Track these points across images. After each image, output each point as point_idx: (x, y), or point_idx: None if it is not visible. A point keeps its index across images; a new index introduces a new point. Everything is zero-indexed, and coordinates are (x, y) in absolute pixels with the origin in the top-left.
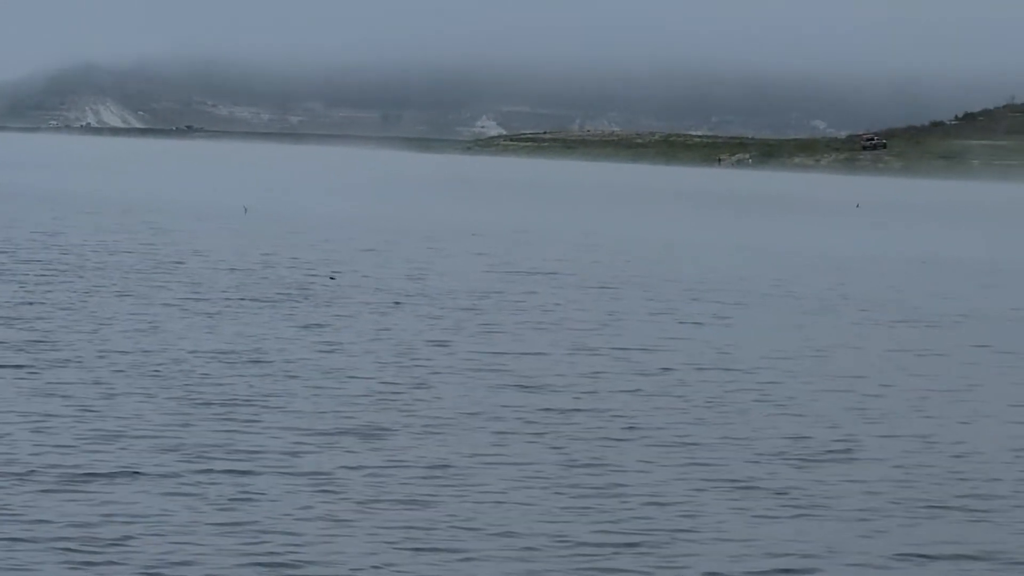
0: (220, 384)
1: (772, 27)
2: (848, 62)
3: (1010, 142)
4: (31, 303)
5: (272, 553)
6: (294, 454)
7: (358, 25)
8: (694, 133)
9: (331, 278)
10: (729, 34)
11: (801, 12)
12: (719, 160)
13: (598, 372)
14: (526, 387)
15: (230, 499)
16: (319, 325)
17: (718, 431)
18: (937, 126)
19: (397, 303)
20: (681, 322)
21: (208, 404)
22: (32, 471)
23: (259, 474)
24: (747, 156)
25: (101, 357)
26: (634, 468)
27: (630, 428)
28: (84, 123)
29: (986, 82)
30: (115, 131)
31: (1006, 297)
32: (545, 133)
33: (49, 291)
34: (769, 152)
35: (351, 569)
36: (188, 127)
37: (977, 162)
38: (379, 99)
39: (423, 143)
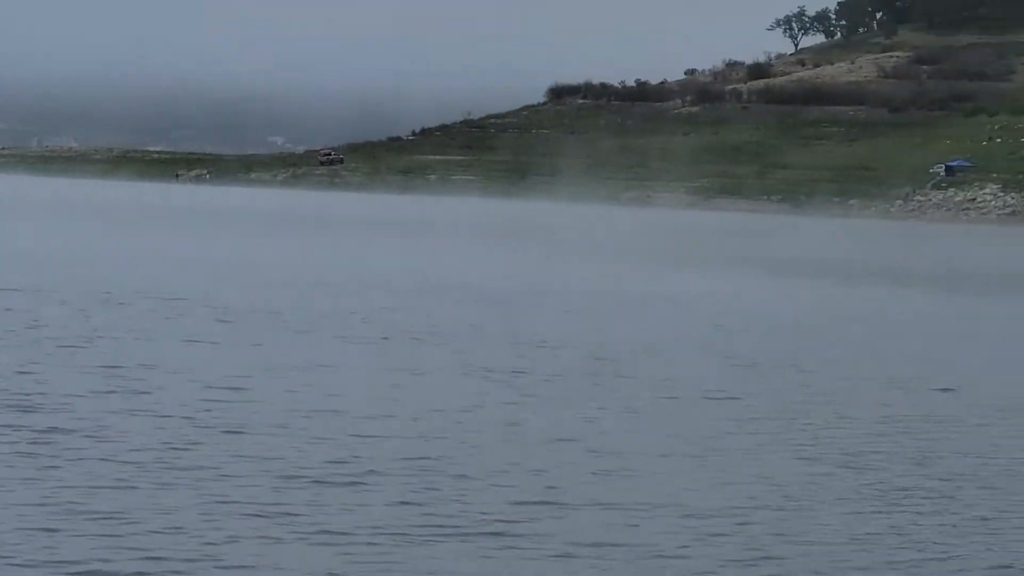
0: None
1: (230, 44)
2: (305, 80)
3: (465, 157)
4: None
5: None
6: None
7: None
8: (152, 149)
9: None
10: (188, 52)
11: (256, 28)
12: (177, 175)
13: None
14: None
15: None
16: None
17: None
18: (395, 141)
19: None
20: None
21: None
22: None
23: None
24: (204, 172)
25: None
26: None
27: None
28: None
29: (443, 99)
30: None
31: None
32: (4, 149)
33: None
34: (226, 167)
35: None
36: None
37: (434, 177)
38: None
39: None
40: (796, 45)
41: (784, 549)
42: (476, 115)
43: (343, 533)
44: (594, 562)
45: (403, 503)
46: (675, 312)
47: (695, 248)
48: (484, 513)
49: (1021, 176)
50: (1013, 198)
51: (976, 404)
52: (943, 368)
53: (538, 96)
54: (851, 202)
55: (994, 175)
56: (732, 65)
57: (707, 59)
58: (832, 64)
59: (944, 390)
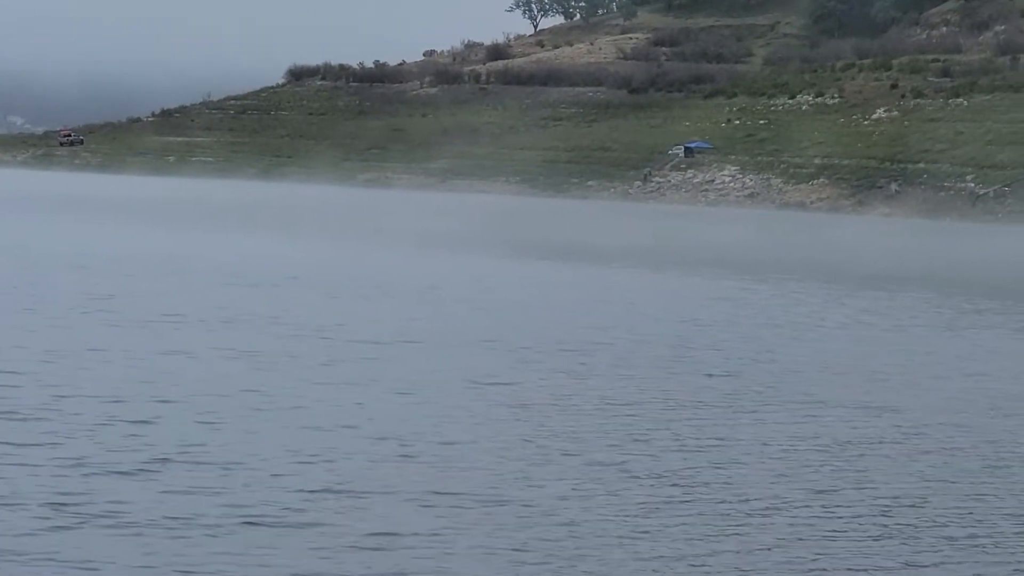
0: None
1: None
2: (44, 59)
3: (205, 138)
4: None
5: None
6: None
7: None
8: None
9: None
10: None
11: None
12: None
13: None
14: None
15: None
16: None
17: None
18: (135, 123)
19: None
20: None
21: None
22: None
23: None
24: None
25: None
26: None
27: None
28: None
29: (182, 80)
30: None
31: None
32: None
33: None
34: None
35: None
36: None
37: (173, 158)
38: None
39: None
40: (535, 26)
41: (553, 531)
42: (216, 97)
43: (130, 524)
44: (385, 552)
45: (186, 491)
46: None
47: (437, 229)
48: (268, 502)
49: (759, 158)
50: (752, 180)
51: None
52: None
53: (278, 78)
54: (590, 183)
55: (732, 157)
56: (471, 46)
57: (447, 40)
58: (571, 46)
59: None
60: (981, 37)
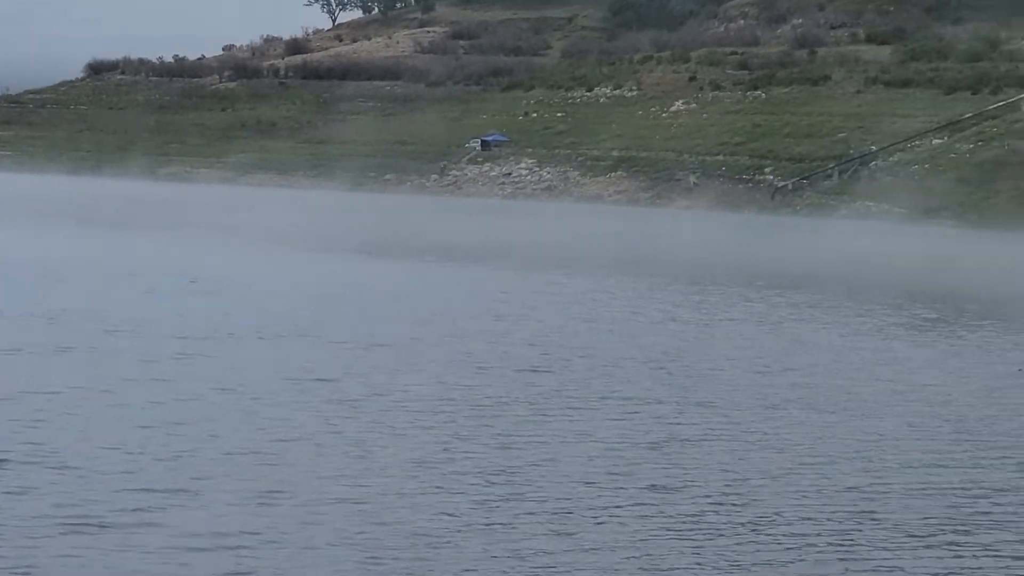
0: None
1: None
2: None
3: (4, 132)
4: None
5: None
6: None
7: None
8: None
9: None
10: None
11: None
12: None
13: None
14: None
15: None
16: None
17: None
18: None
19: None
20: None
21: None
22: None
23: None
24: None
25: None
26: None
27: None
28: None
29: None
30: None
31: None
32: None
33: None
34: None
35: None
36: None
37: None
38: None
39: None
40: (334, 21)
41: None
42: (14, 91)
43: None
44: (216, 552)
45: (18, 492)
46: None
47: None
48: (100, 502)
49: (556, 151)
50: (549, 173)
51: None
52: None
53: (77, 72)
54: (387, 177)
55: (529, 150)
56: (270, 41)
57: (246, 35)
58: (369, 40)
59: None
60: (779, 30)
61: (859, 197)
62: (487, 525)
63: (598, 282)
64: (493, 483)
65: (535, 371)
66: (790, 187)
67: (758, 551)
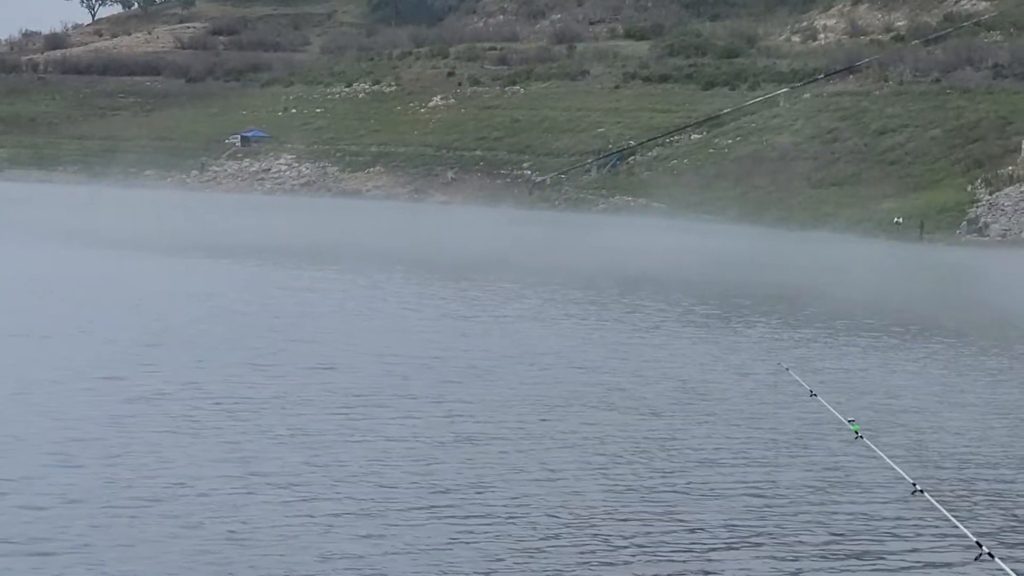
0: None
1: None
2: None
3: None
4: None
5: None
6: None
7: None
8: None
9: None
10: None
11: None
12: None
13: None
14: None
15: None
16: None
17: None
18: None
19: None
20: None
21: None
22: None
23: None
24: None
25: None
26: None
27: None
28: None
29: None
30: None
31: None
32: None
33: None
34: None
35: None
36: None
37: None
38: None
39: None
40: (94, 16)
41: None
42: None
43: None
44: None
45: None
46: None
47: None
48: None
49: (315, 146)
50: (308, 168)
51: None
52: None
53: None
54: (147, 172)
55: (289, 145)
56: (29, 35)
57: (4, 29)
58: (130, 35)
59: None
60: (537, 25)
61: (618, 192)
62: (289, 526)
63: (370, 277)
64: (294, 484)
65: (323, 368)
66: (548, 182)
67: (548, 558)
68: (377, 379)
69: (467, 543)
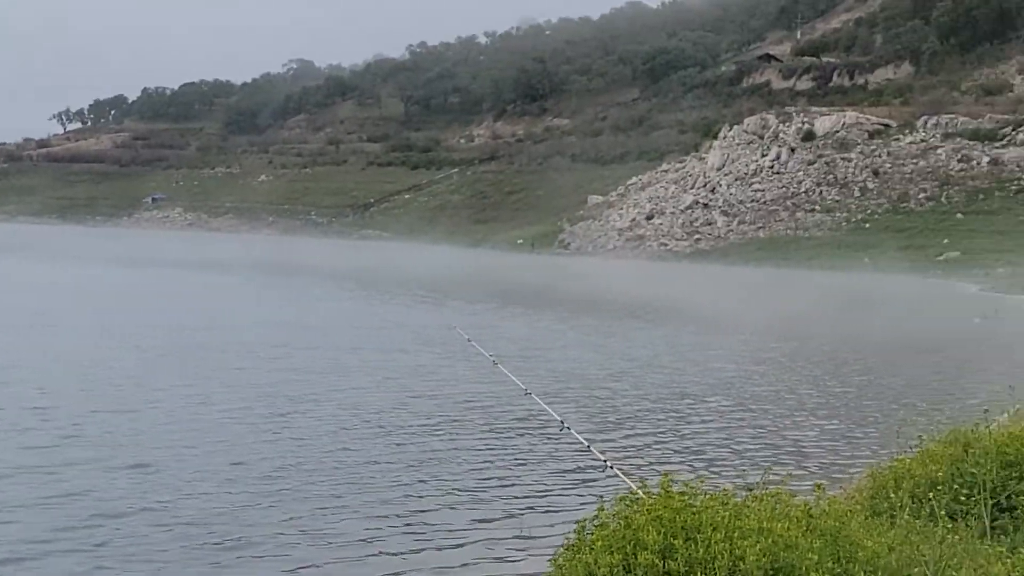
0: None
1: None
2: None
3: None
4: None
5: None
6: None
7: None
8: None
9: None
10: None
11: None
12: None
13: None
14: None
15: None
16: None
17: None
18: None
19: None
20: None
21: None
22: None
23: None
24: None
25: None
26: None
27: None
28: None
29: None
30: None
31: None
32: None
33: None
34: None
35: None
36: None
37: None
38: None
39: None
40: (64, 128)
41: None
42: None
43: None
44: None
45: None
46: None
47: None
48: None
49: (194, 203)
50: (190, 216)
51: None
52: None
53: None
54: (98, 218)
55: (179, 203)
56: (27, 140)
57: (11, 136)
58: (86, 139)
59: None
60: (319, 134)
61: (365, 227)
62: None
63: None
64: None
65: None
66: (325, 223)
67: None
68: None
69: None
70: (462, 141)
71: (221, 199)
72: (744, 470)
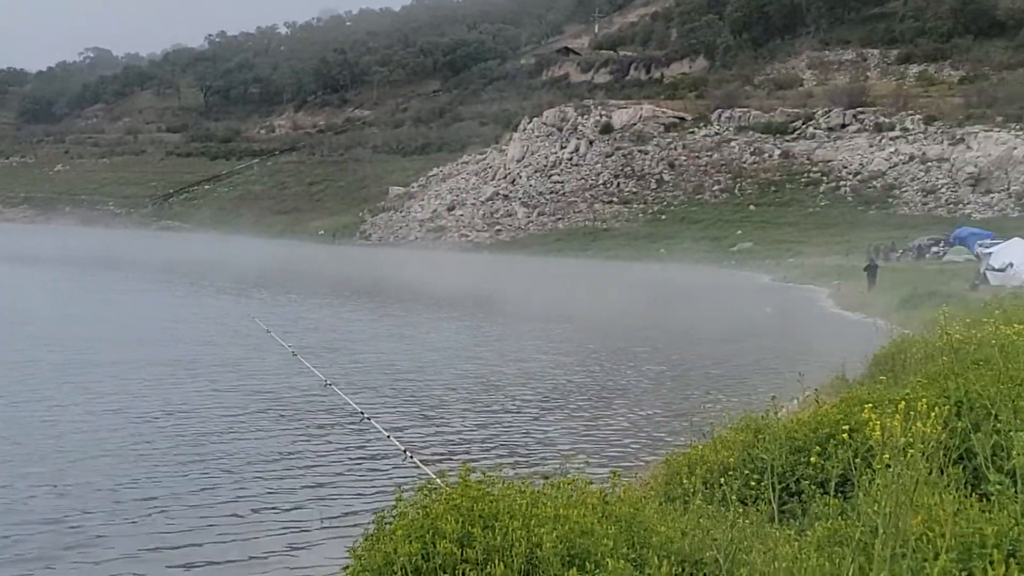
0: None
1: None
2: None
3: None
4: None
5: None
6: None
7: None
8: None
9: None
10: None
11: None
12: None
13: None
14: None
15: None
16: None
17: None
18: None
19: None
20: None
21: None
22: None
23: None
24: None
25: None
26: None
27: None
28: None
29: None
30: None
31: None
32: None
33: None
34: None
35: None
36: None
37: None
38: None
39: None
40: None
41: None
42: None
43: None
44: None
45: None
46: None
47: None
48: None
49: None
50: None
51: None
52: None
53: None
54: None
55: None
56: None
57: None
58: None
59: None
60: (118, 123)
61: (164, 218)
62: None
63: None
64: None
65: None
66: (123, 213)
67: None
68: None
69: None
70: (263, 132)
71: (15, 189)
72: (545, 459)
